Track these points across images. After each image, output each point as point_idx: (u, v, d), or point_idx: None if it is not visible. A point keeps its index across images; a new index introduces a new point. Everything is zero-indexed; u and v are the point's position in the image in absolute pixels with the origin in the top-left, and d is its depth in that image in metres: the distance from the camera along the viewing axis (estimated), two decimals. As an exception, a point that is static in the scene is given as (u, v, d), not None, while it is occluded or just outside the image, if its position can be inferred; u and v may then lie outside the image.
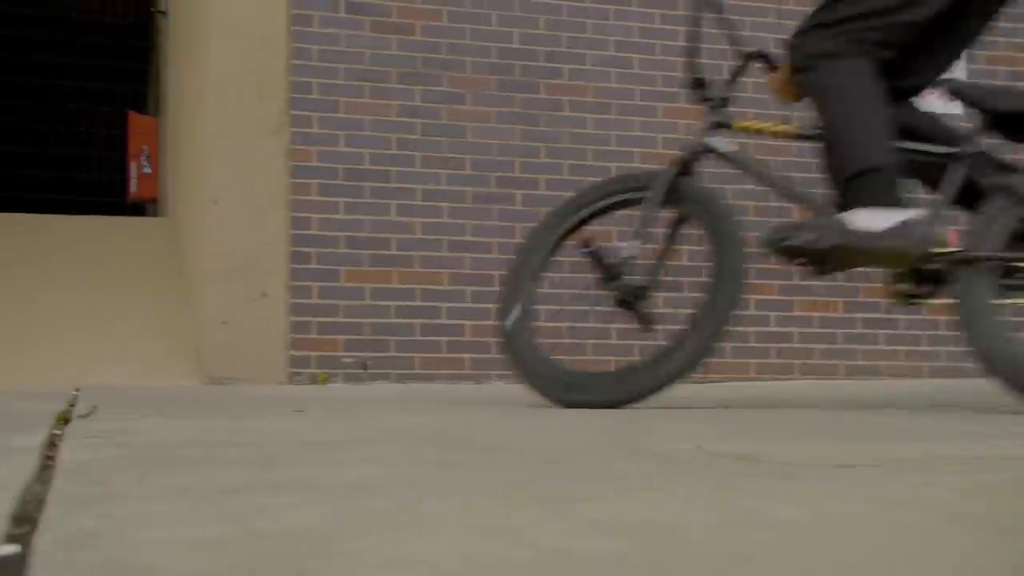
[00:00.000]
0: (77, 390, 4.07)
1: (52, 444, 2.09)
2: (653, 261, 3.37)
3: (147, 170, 9.81)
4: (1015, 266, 3.02)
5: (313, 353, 5.34)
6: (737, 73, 3.45)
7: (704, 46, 3.47)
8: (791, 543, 1.17)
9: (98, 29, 12.05)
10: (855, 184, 2.95)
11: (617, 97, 5.83)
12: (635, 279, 3.30)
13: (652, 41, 5.91)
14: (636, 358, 3.36)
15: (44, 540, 1.18)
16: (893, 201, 2.95)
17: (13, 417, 2.80)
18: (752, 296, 5.74)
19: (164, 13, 9.16)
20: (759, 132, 3.45)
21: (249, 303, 5.26)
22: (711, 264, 3.18)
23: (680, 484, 1.62)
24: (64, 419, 2.64)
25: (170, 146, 8.77)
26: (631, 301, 3.31)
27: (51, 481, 1.60)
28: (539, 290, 3.51)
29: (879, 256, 2.99)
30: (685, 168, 3.36)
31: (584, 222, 3.52)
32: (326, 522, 1.26)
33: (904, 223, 2.93)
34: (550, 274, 3.67)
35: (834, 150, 3.00)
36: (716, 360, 5.73)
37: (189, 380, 5.27)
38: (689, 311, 3.37)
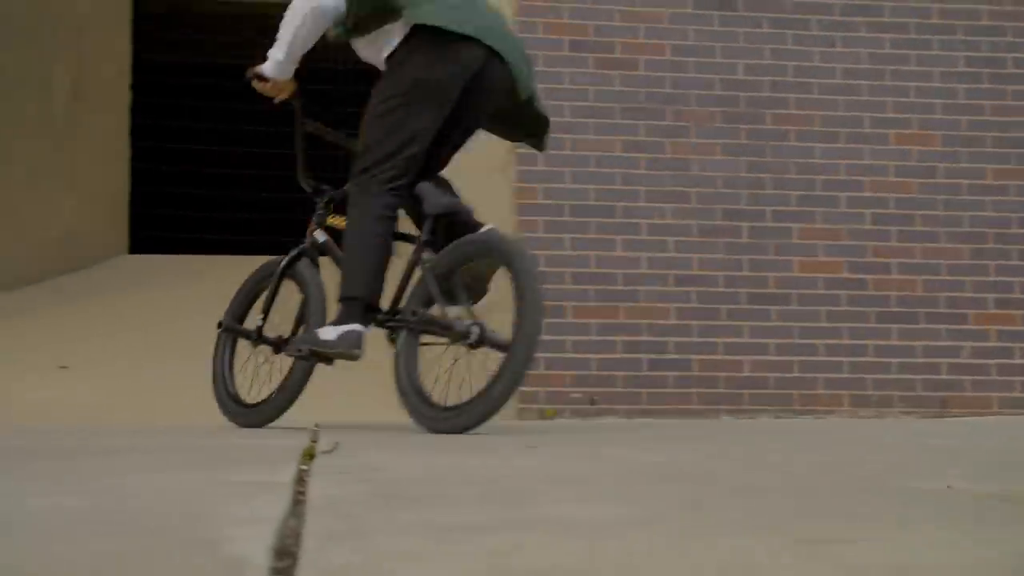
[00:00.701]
0: (317, 426, 4.19)
1: (301, 479, 2.15)
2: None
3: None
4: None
5: (541, 388, 5.37)
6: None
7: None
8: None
9: (339, 77, 12.49)
10: (341, 303, 3.98)
11: (846, 125, 5.70)
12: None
13: (882, 67, 5.75)
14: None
15: (306, 574, 1.21)
16: (356, 319, 3.93)
17: (263, 452, 2.90)
18: (992, 326, 5.51)
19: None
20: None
21: (477, 339, 5.32)
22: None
23: (935, 525, 1.54)
24: (309, 455, 2.72)
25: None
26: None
27: (304, 516, 1.64)
28: None
29: (332, 357, 4.07)
30: (298, 255, 4.48)
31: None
32: (582, 562, 1.25)
33: (345, 335, 3.92)
34: None
35: (342, 271, 4.04)
36: (955, 394, 5.51)
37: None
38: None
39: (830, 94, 5.70)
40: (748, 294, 5.53)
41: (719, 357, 5.45)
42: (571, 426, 4.71)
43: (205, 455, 2.85)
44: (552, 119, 5.49)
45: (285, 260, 4.51)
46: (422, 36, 3.96)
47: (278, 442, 3.29)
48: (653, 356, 5.44)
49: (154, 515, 1.66)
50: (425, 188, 4.15)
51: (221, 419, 4.47)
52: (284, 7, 4.13)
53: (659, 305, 5.47)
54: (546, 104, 5.46)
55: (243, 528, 1.48)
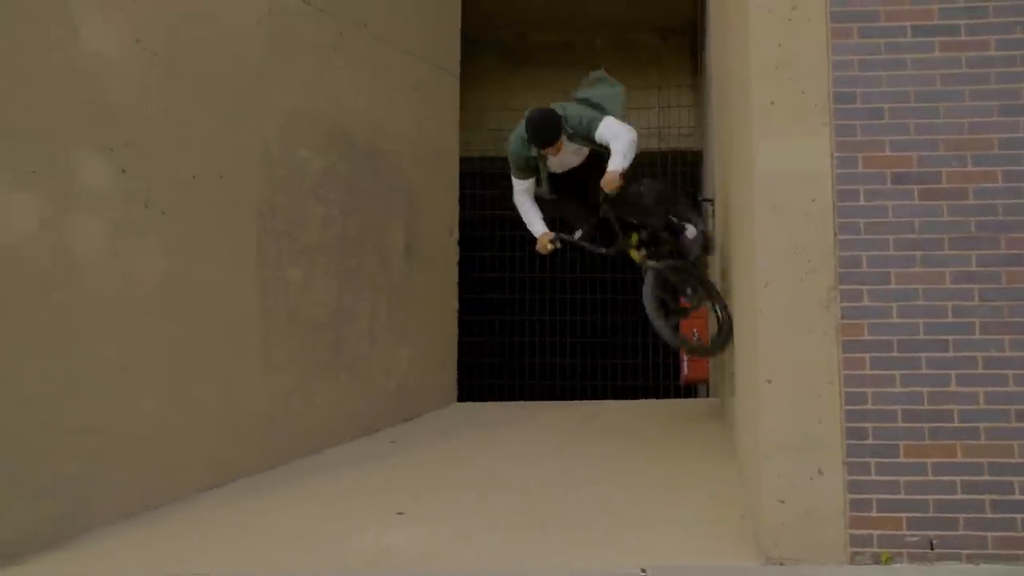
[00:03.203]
0: (643, 571, 4.17)
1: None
2: None
3: (698, 353, 10.07)
4: None
5: (874, 531, 5.16)
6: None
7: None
8: None
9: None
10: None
11: None
12: None
13: None
14: None
15: None
16: None
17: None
18: None
19: (711, 201, 9.51)
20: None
21: (806, 481, 5.20)
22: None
23: None
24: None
25: (718, 327, 8.97)
26: None
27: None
28: None
29: None
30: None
31: None
32: None
33: None
34: None
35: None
36: None
37: (748, 560, 5.25)
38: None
39: None
40: (1100, 429, 5.16)
41: (1073, 498, 5.09)
42: (908, 571, 4.49)
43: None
44: (876, 254, 5.39)
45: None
46: None
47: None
48: (996, 497, 5.13)
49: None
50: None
51: (552, 560, 4.51)
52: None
53: (1001, 443, 5.18)
54: (869, 239, 5.36)
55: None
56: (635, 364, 12.80)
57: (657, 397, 10.59)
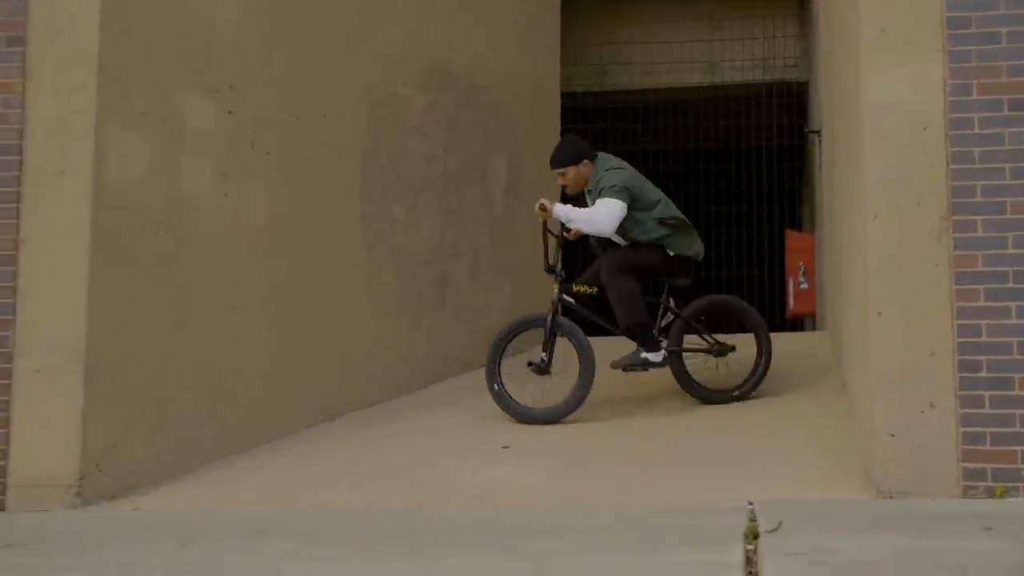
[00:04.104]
0: (751, 504, 4.15)
1: (748, 560, 2.14)
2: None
3: (804, 285, 9.96)
4: None
5: (988, 465, 5.06)
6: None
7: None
8: None
9: (753, 155, 12.57)
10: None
11: None
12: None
13: None
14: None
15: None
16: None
17: (701, 532, 2.91)
18: None
19: (817, 132, 9.34)
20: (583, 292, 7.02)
21: (917, 415, 5.12)
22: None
23: None
24: (752, 534, 2.70)
25: (827, 260, 8.86)
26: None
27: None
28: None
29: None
30: (555, 310, 6.94)
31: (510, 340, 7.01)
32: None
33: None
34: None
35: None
36: None
37: (857, 494, 5.20)
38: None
39: None
40: None
41: None
42: (1022, 506, 4.41)
43: (647, 535, 2.89)
44: (991, 183, 5.25)
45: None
46: None
47: (713, 521, 3.29)
48: (1118, 431, 5.00)
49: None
50: None
51: (657, 496, 4.52)
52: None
53: (1122, 375, 5.04)
54: (984, 169, 5.22)
55: (703, 608, 1.48)
56: (741, 298, 12.71)
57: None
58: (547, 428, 6.66)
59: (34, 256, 5.67)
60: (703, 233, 7.77)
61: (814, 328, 10.33)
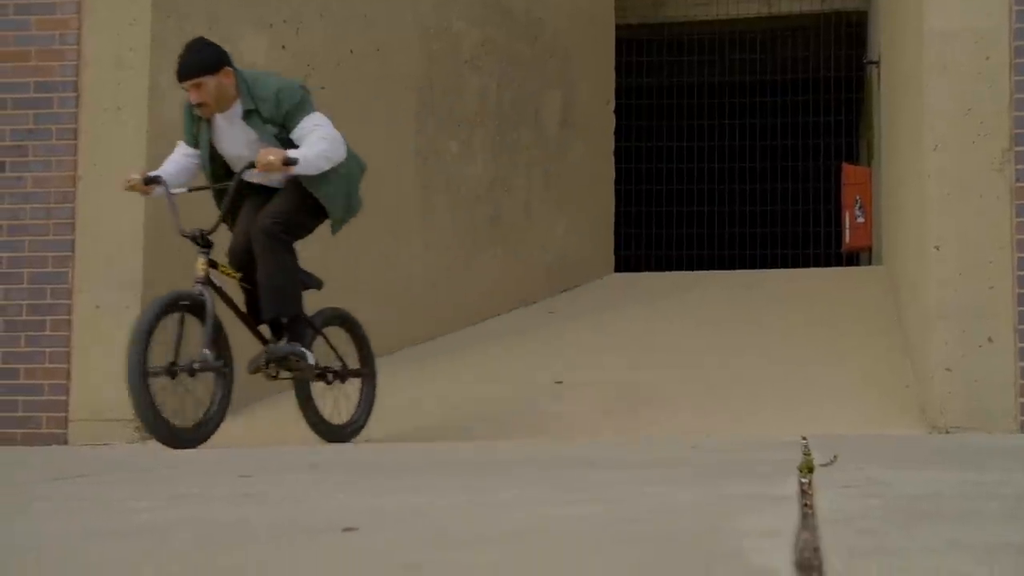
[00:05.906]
0: (804, 438, 4.15)
1: (803, 492, 2.14)
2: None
3: (860, 220, 9.86)
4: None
5: (1047, 400, 5.02)
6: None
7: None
8: None
9: (809, 87, 12.43)
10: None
11: None
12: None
13: None
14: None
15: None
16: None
17: (756, 466, 2.92)
18: None
19: (876, 63, 9.19)
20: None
21: (974, 349, 5.07)
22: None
23: None
24: (807, 468, 2.70)
25: (884, 194, 8.76)
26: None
27: (817, 529, 1.63)
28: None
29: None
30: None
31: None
32: None
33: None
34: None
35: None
36: None
37: (913, 429, 5.18)
38: None
39: None
40: None
41: None
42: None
43: (700, 469, 2.90)
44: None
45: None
46: None
47: (768, 455, 3.29)
48: None
49: (669, 526, 1.72)
50: None
51: (713, 431, 4.52)
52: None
53: None
54: None
55: (760, 541, 1.49)
56: (795, 232, 12.62)
57: (818, 266, 10.43)
58: (602, 364, 6.65)
59: (92, 192, 5.73)
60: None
61: (870, 263, 10.24)
